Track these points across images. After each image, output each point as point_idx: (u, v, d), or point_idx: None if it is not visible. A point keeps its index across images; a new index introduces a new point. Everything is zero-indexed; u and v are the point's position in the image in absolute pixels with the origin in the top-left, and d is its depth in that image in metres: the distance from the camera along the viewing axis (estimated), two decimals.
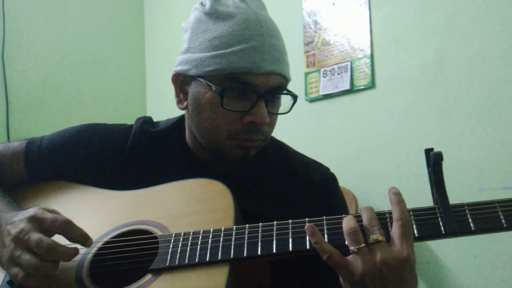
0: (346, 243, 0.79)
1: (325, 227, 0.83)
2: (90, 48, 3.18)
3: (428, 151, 0.84)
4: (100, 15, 3.25)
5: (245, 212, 0.95)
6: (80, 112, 3.05)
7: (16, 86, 2.85)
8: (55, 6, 3.05)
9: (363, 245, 0.78)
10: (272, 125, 1.02)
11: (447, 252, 1.91)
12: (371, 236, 0.79)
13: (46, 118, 2.91)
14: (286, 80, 1.00)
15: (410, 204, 2.11)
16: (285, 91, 1.00)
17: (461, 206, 0.82)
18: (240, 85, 0.94)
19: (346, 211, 1.13)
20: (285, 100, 1.02)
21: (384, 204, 2.09)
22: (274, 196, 1.05)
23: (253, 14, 0.97)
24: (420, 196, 1.94)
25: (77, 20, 3.14)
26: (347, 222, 0.81)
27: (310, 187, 1.07)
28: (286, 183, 1.07)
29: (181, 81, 1.03)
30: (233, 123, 0.96)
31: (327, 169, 1.13)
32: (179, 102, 1.04)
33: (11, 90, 2.83)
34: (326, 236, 0.82)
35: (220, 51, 0.94)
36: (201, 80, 0.97)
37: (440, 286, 1.92)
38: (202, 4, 1.03)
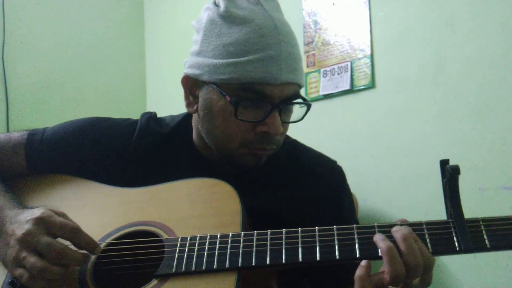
0: (386, 280, 0.76)
1: (335, 237, 0.82)
2: (90, 48, 3.18)
3: (444, 163, 0.82)
4: (100, 15, 3.25)
5: (252, 211, 0.93)
6: (80, 112, 3.03)
7: (16, 86, 2.85)
8: (55, 6, 3.05)
9: (401, 285, 0.76)
10: (284, 133, 1.01)
11: None
12: (413, 281, 0.77)
13: (46, 118, 2.90)
14: (300, 87, 0.98)
15: (410, 203, 2.10)
16: (299, 99, 0.98)
17: (476, 221, 0.80)
18: (255, 95, 0.92)
19: (353, 205, 1.12)
20: (298, 106, 1.00)
21: (383, 204, 2.09)
22: (282, 191, 1.04)
23: (270, 19, 0.93)
24: (419, 195, 1.95)
25: (77, 20, 3.14)
26: (398, 268, 0.75)
27: (319, 181, 1.06)
28: (294, 177, 1.06)
29: (191, 84, 1.00)
30: (246, 132, 0.94)
31: (334, 162, 1.12)
32: (189, 105, 1.02)
33: (11, 90, 2.83)
34: (336, 247, 0.81)
35: (236, 59, 0.91)
36: (214, 87, 0.94)
37: (440, 286, 1.92)
38: (215, 4, 0.99)
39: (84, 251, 0.86)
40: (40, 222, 0.85)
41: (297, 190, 1.05)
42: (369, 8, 2.17)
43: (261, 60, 0.90)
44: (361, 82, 2.19)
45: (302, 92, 2.37)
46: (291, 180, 1.06)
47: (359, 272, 0.77)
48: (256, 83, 0.91)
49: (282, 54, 0.92)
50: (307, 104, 0.99)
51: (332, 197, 1.06)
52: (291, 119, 1.00)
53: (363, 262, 0.78)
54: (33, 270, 0.82)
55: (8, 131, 2.76)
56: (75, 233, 0.86)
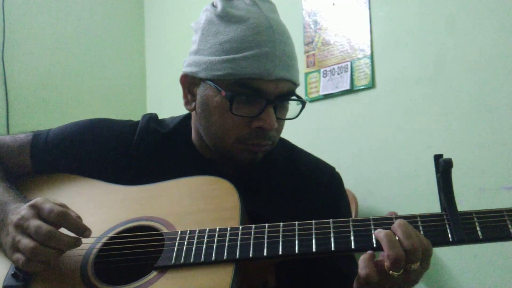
0: (387, 266, 0.77)
1: (331, 230, 0.83)
2: (90, 48, 3.18)
3: (437, 157, 0.84)
4: (100, 15, 3.25)
5: (250, 213, 0.94)
6: (80, 112, 3.05)
7: (16, 86, 2.85)
8: (55, 6, 3.05)
9: (402, 271, 0.77)
10: (279, 130, 1.02)
11: (447, 252, 1.91)
12: (412, 265, 0.77)
13: (46, 118, 2.91)
14: (295, 85, 1.00)
15: (410, 202, 2.11)
16: (294, 97, 1.00)
17: (469, 213, 0.81)
18: (250, 90, 0.94)
19: (350, 210, 1.14)
20: (293, 104, 1.02)
21: (383, 204, 2.09)
22: (280, 196, 1.05)
23: (265, 18, 0.96)
24: (420, 195, 1.95)
25: (77, 20, 3.14)
26: (397, 251, 0.77)
27: (318, 188, 1.08)
28: (293, 182, 1.07)
29: (189, 82, 1.03)
30: (241, 128, 0.96)
31: (333, 169, 1.14)
32: (187, 103, 1.04)
33: (11, 90, 2.83)
34: (332, 239, 0.82)
35: (231, 56, 0.93)
36: (210, 83, 0.97)
37: (440, 286, 1.92)
38: (213, 5, 1.02)
39: (76, 236, 0.88)
40: (32, 207, 0.88)
41: (295, 195, 1.06)
42: (369, 8, 2.18)
43: (256, 56, 0.93)
44: (361, 82, 2.19)
45: (302, 91, 2.38)
46: (289, 184, 1.07)
47: (364, 255, 0.80)
48: (251, 78, 0.93)
49: (277, 51, 0.94)
50: (302, 101, 1.01)
51: (329, 203, 1.07)
52: (287, 117, 1.02)
53: (369, 251, 0.81)
54: (26, 251, 0.84)
55: (8, 130, 2.77)
56: (61, 217, 0.87)
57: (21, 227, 0.86)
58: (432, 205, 1.89)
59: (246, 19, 0.95)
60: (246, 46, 0.93)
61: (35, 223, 0.85)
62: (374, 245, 0.80)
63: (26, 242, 0.84)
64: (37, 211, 0.87)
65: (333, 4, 2.32)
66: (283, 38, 0.97)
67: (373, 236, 0.81)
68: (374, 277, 0.78)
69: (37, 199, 0.89)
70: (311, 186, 1.07)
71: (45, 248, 0.84)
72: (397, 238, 0.78)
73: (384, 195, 2.10)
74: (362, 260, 0.79)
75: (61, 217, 0.87)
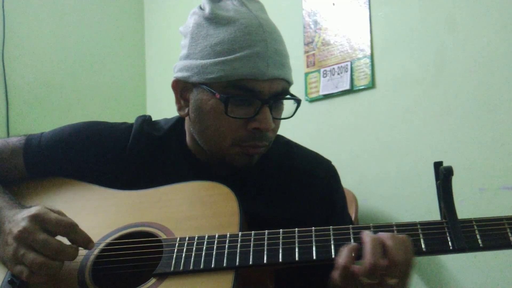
0: (361, 271, 0.75)
1: (331, 237, 0.83)
2: (90, 48, 3.18)
3: (437, 165, 0.83)
4: (100, 15, 3.25)
5: (248, 214, 0.94)
6: (80, 112, 3.05)
7: (16, 86, 2.85)
8: (55, 6, 3.05)
9: (377, 281, 0.75)
10: (275, 130, 1.02)
11: None
12: (389, 280, 0.75)
13: (46, 118, 2.91)
14: (289, 84, 0.99)
15: (410, 202, 2.12)
16: (288, 96, 1.00)
17: (469, 221, 0.81)
18: (244, 91, 0.94)
19: (345, 202, 1.13)
20: (288, 103, 1.01)
21: (383, 204, 2.09)
22: (277, 194, 1.04)
23: (255, 18, 0.96)
24: (419, 195, 1.95)
25: (77, 20, 3.14)
26: (377, 260, 0.75)
27: (314, 182, 1.07)
28: (289, 178, 1.07)
29: (181, 87, 1.02)
30: (238, 130, 0.96)
31: (329, 162, 1.13)
32: (180, 109, 1.04)
33: (11, 90, 2.83)
34: (332, 247, 0.82)
35: (223, 58, 0.93)
36: (204, 87, 0.96)
37: (440, 286, 1.92)
38: (201, 8, 1.01)
39: (76, 246, 0.87)
40: (35, 219, 0.86)
41: (292, 191, 1.06)
42: (369, 8, 2.17)
43: (248, 57, 0.92)
44: (361, 82, 2.19)
45: (302, 91, 2.38)
46: (286, 181, 1.07)
47: (349, 246, 0.79)
48: (245, 79, 0.93)
49: (269, 50, 0.94)
50: (297, 100, 1.00)
51: (325, 198, 1.07)
52: (282, 116, 1.01)
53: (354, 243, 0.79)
54: (33, 266, 0.83)
55: (8, 131, 2.77)
56: (70, 229, 0.87)
57: (24, 240, 0.84)
58: (432, 205, 1.89)
59: (236, 20, 0.95)
60: (237, 47, 0.93)
61: (41, 237, 0.84)
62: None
63: (32, 257, 0.83)
64: (41, 223, 0.86)
65: (333, 4, 2.32)
66: (274, 37, 0.96)
67: None
68: (347, 270, 0.76)
69: (38, 210, 0.87)
70: (308, 181, 1.07)
71: (53, 262, 0.84)
72: (385, 246, 0.76)
73: (384, 195, 2.10)
74: (346, 249, 0.78)
75: (69, 229, 0.86)
